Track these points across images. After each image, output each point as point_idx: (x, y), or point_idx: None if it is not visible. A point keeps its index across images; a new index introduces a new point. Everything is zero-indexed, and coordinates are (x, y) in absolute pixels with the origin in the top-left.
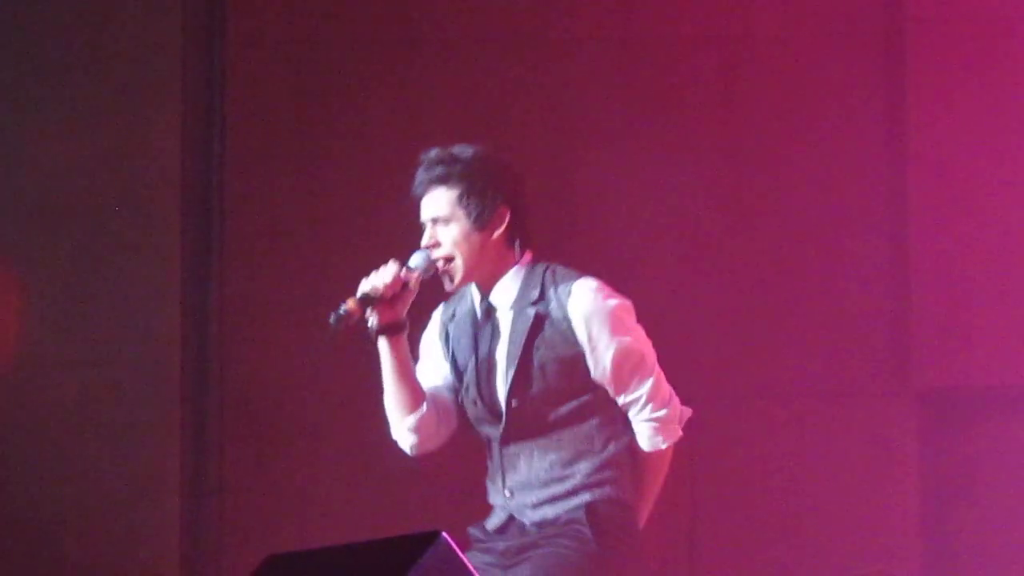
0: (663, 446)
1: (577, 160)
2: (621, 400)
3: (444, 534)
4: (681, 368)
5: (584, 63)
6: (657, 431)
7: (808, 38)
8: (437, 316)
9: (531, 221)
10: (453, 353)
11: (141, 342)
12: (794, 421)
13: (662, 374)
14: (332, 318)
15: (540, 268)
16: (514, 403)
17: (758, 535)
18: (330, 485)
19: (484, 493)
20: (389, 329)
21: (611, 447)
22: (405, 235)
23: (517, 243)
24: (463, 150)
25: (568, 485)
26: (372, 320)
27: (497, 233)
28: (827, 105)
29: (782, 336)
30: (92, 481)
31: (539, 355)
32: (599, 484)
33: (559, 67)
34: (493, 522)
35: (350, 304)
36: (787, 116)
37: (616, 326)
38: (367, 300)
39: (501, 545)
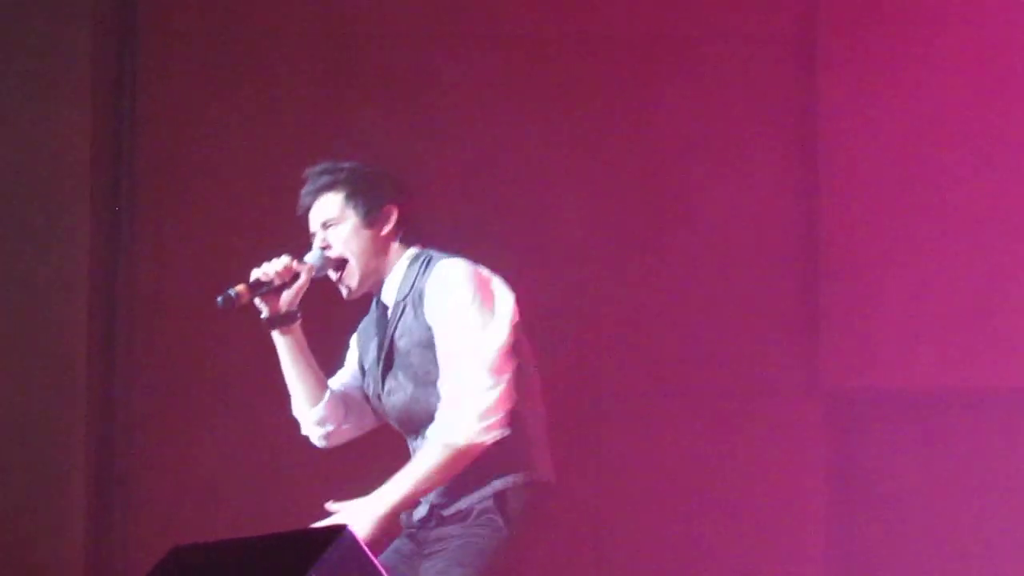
0: (445, 446)
1: (490, 155)
2: (440, 385)
3: (349, 528)
4: (589, 365)
5: (499, 60)
6: (446, 429)
7: (720, 39)
8: (357, 333)
9: (421, 219)
10: (361, 355)
11: (47, 331)
12: (701, 420)
13: (497, 378)
14: (220, 299)
15: (421, 257)
16: (385, 394)
17: (664, 533)
18: (238, 476)
19: None
20: (279, 320)
21: (516, 432)
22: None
23: (403, 238)
24: (346, 162)
25: (477, 473)
26: (263, 311)
27: (386, 229)
28: (738, 107)
29: (690, 334)
30: None
31: (402, 343)
32: (509, 470)
33: (469, 63)
34: (417, 513)
35: (240, 288)
36: (697, 117)
37: (459, 310)
38: (257, 285)
39: (422, 536)
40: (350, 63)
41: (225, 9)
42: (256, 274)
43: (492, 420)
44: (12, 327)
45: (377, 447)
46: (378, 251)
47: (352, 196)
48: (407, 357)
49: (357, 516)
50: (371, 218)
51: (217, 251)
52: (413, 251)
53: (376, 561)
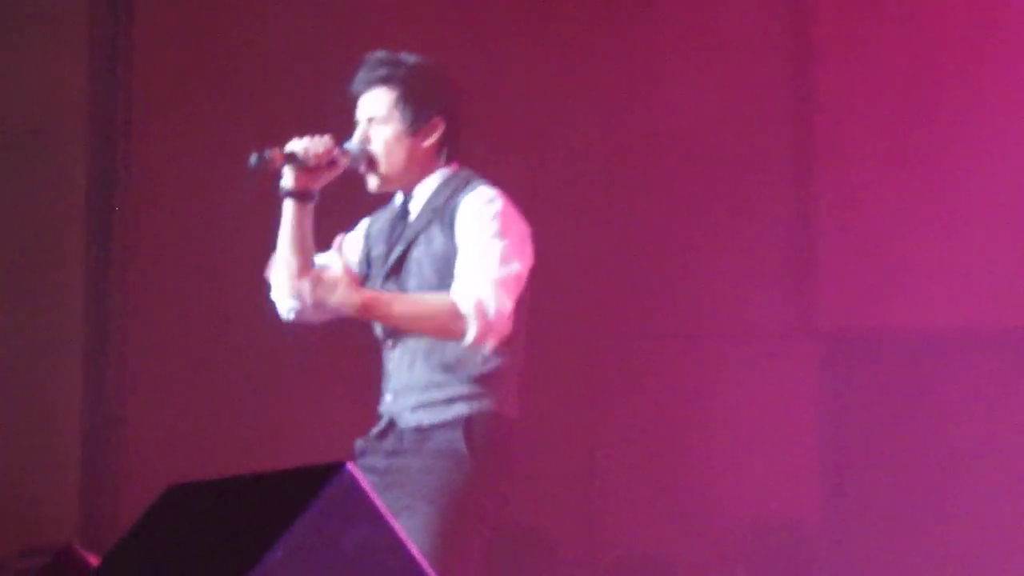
0: (451, 304)
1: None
2: (457, 281)
3: (349, 465)
4: (585, 304)
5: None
6: (460, 294)
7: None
8: (364, 222)
9: (464, 136)
10: (368, 250)
11: (42, 269)
12: (697, 360)
13: (508, 300)
14: (253, 158)
15: (459, 175)
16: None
17: (657, 473)
18: (232, 415)
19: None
20: (300, 195)
21: (494, 360)
22: None
23: (445, 153)
24: (408, 56)
25: (447, 392)
26: (287, 180)
27: (429, 141)
28: (733, 34)
29: (686, 274)
30: None
31: (418, 250)
32: (478, 396)
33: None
34: (376, 428)
35: (275, 151)
36: (695, 47)
37: (492, 231)
38: (292, 158)
39: (380, 450)
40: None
41: None
42: (295, 147)
43: (493, 329)
44: (8, 265)
45: (374, 387)
46: (416, 161)
47: (403, 99)
48: (418, 266)
49: (334, 283)
50: (417, 127)
51: (215, 184)
52: (448, 169)
53: (374, 498)
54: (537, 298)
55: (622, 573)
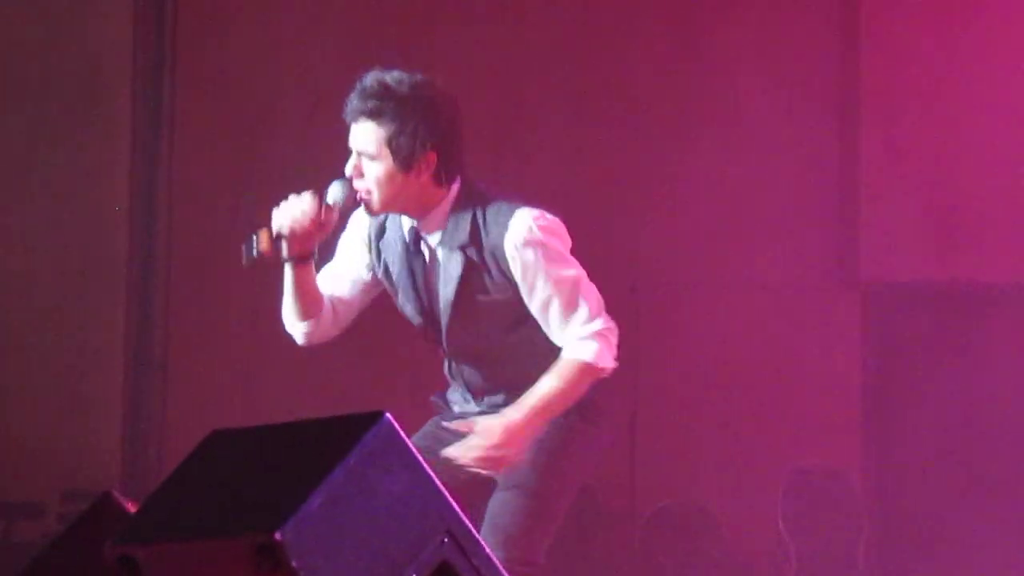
0: (593, 357)
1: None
2: (556, 331)
3: (387, 415)
4: (627, 256)
5: None
6: (593, 339)
7: None
8: (361, 222)
9: (462, 152)
10: (386, 270)
11: (88, 216)
12: (739, 311)
13: (593, 295)
14: (244, 258)
15: (471, 203)
16: (451, 342)
17: (698, 424)
18: (274, 363)
19: (430, 378)
20: (297, 259)
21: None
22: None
23: (444, 177)
24: (399, 82)
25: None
26: (283, 252)
27: (423, 176)
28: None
29: (728, 227)
30: (36, 353)
31: (473, 299)
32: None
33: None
34: (457, 409)
35: (263, 243)
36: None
37: (552, 260)
38: (280, 238)
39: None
40: None
41: None
42: (279, 223)
43: (613, 344)
44: (53, 209)
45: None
46: (412, 195)
47: (394, 137)
48: (475, 313)
49: (491, 431)
50: (409, 164)
51: (261, 134)
52: (455, 189)
53: (415, 448)
54: (582, 248)
55: (664, 524)
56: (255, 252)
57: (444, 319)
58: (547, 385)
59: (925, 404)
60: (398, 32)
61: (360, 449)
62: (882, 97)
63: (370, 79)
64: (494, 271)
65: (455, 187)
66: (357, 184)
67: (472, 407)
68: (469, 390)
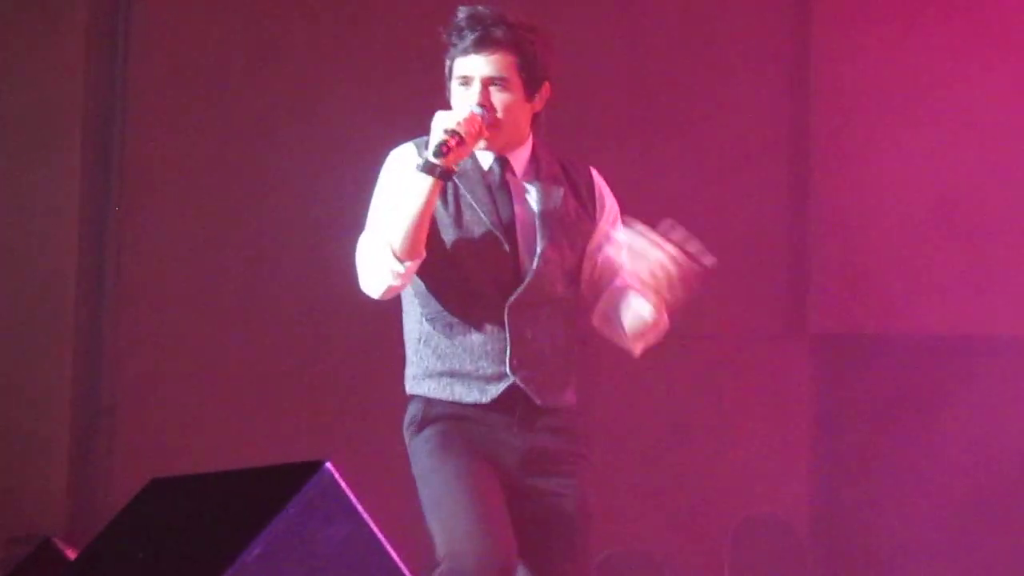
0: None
1: None
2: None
3: (328, 464)
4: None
5: None
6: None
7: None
8: (417, 161)
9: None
10: (461, 210)
11: (36, 258)
12: (690, 361)
13: None
14: (434, 150)
15: (549, 150)
16: (538, 268)
17: (648, 472)
18: (223, 409)
19: (379, 417)
20: (446, 173)
21: (575, 345)
22: (308, 159)
23: (539, 117)
24: (516, 16)
25: (565, 374)
26: (438, 159)
27: (536, 107)
28: (732, 47)
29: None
30: None
31: (566, 226)
32: (574, 384)
33: None
34: (490, 393)
35: (449, 139)
36: (691, 55)
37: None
38: (460, 139)
39: (510, 419)
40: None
41: None
42: (446, 133)
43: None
44: (1, 254)
45: (353, 380)
46: (524, 124)
47: (525, 64)
48: (566, 238)
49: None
50: (532, 91)
51: (211, 179)
52: (530, 137)
53: (353, 497)
54: None
55: (611, 572)
56: (447, 146)
57: (538, 246)
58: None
59: (874, 455)
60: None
61: (300, 499)
62: (833, 151)
63: (485, 11)
64: (588, 205)
65: (533, 136)
66: (485, 113)
67: (495, 389)
68: (513, 351)
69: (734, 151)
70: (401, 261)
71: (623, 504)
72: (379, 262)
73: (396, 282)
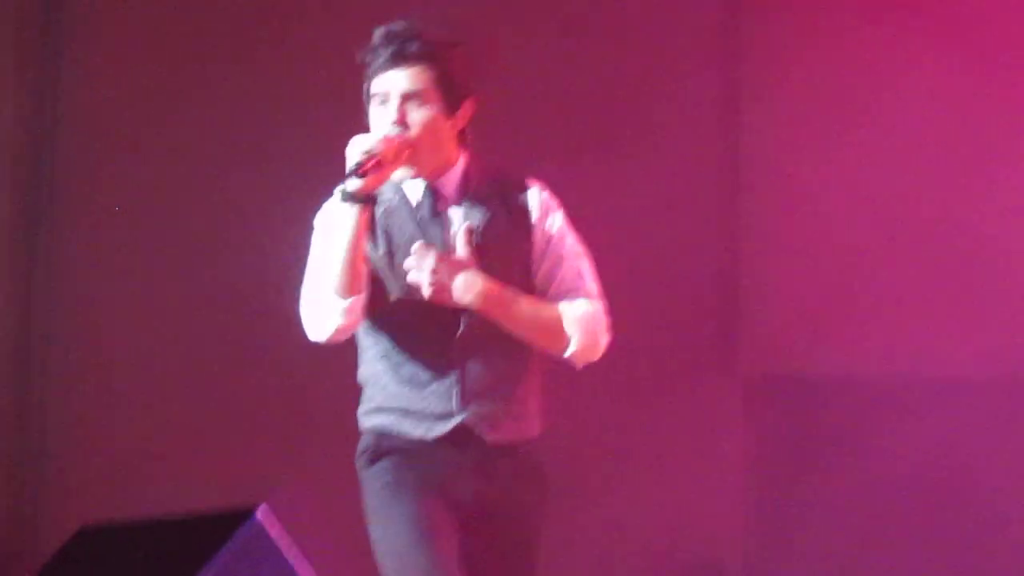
0: (577, 319)
1: None
2: (565, 295)
3: (259, 512)
4: None
5: None
6: (591, 319)
7: (645, 24)
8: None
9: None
10: (391, 246)
11: None
12: (620, 401)
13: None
14: (352, 173)
15: (484, 170)
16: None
17: (576, 512)
18: (159, 453)
19: (316, 461)
20: (368, 198)
21: (535, 373)
22: (251, 185)
23: (465, 136)
24: (434, 30)
25: (522, 406)
26: (352, 183)
27: (458, 125)
28: (662, 87)
29: (608, 312)
30: None
31: (496, 250)
32: (537, 414)
33: None
34: (438, 430)
35: (357, 182)
36: (622, 96)
37: (574, 240)
38: (375, 160)
39: (462, 458)
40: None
41: None
42: (362, 155)
43: (599, 347)
44: None
45: (286, 419)
46: (446, 144)
47: (443, 79)
48: (501, 265)
49: (459, 264)
50: (453, 108)
51: (143, 233)
52: (463, 157)
53: (284, 544)
54: None
55: None
56: (362, 169)
57: None
58: (534, 304)
59: (807, 495)
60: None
61: (230, 547)
62: (761, 189)
63: (402, 26)
64: (519, 224)
65: (466, 155)
66: (401, 133)
67: (442, 427)
68: (463, 385)
69: (664, 187)
70: (342, 298)
71: (550, 545)
72: (320, 304)
73: (341, 320)
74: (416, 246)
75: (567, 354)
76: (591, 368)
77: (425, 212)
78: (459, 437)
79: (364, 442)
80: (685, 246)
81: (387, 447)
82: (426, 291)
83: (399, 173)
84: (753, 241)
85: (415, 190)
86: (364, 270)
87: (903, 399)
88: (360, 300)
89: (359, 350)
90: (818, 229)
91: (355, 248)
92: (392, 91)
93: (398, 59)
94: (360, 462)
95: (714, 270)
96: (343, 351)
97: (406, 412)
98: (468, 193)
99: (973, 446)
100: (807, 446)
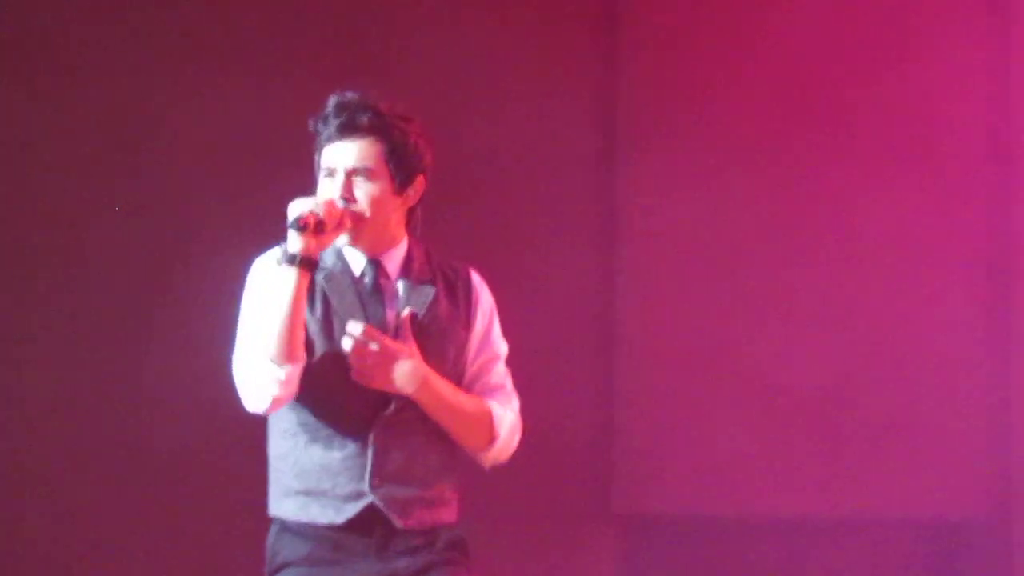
0: (506, 424)
1: None
2: (492, 393)
3: None
4: None
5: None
6: (516, 424)
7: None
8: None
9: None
10: (328, 312)
11: None
12: (493, 542)
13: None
14: (291, 224)
15: (426, 252)
16: None
17: None
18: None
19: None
20: (309, 262)
21: (454, 463)
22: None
23: (411, 216)
24: (384, 105)
25: (438, 492)
26: (302, 248)
27: (407, 203)
28: (546, 189)
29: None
30: None
31: (435, 336)
32: (453, 501)
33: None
34: (346, 512)
35: (300, 246)
36: (513, 217)
37: (502, 340)
38: (320, 225)
39: (367, 541)
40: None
41: None
42: (312, 209)
43: (511, 450)
44: None
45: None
46: (394, 221)
47: (394, 154)
48: (437, 352)
49: (400, 347)
50: (403, 184)
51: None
52: (406, 237)
53: None
54: None
55: None
56: (306, 213)
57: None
58: (458, 394)
59: None
60: None
61: None
62: (638, 327)
63: (353, 97)
64: (460, 311)
65: (408, 236)
66: (349, 207)
67: (352, 507)
68: (374, 469)
69: (540, 322)
70: (279, 365)
71: None
72: (257, 371)
73: (279, 391)
74: (359, 327)
75: (486, 452)
76: (463, 508)
77: (367, 284)
78: (367, 520)
79: (268, 541)
80: (560, 386)
81: (284, 559)
82: (366, 380)
83: (340, 240)
84: (628, 382)
85: (357, 260)
86: (303, 336)
87: (779, 540)
88: (298, 369)
89: (269, 420)
90: (694, 370)
91: (296, 313)
92: (339, 164)
93: (346, 130)
94: (266, 567)
95: (588, 410)
96: None
97: (313, 493)
98: (411, 273)
99: None
100: None
